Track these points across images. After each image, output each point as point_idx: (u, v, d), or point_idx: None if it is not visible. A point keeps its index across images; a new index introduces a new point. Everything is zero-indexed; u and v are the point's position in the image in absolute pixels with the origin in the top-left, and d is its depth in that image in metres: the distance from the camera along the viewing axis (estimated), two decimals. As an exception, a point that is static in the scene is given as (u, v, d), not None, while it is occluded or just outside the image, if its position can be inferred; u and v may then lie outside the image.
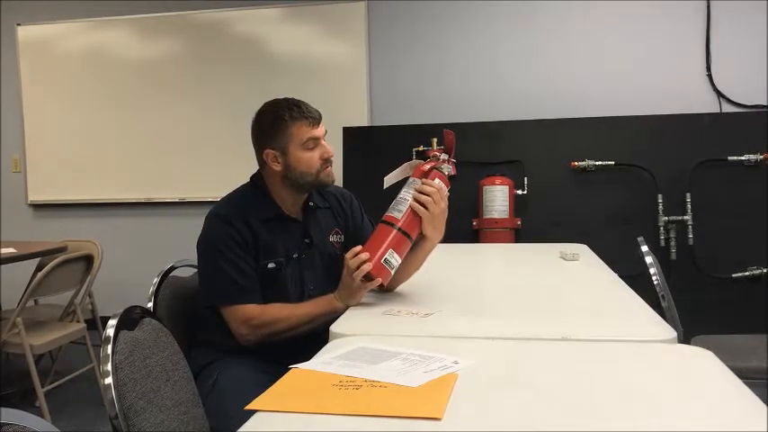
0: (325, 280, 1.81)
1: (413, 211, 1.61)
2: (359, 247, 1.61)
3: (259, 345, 1.71)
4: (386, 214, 1.63)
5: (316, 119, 1.75)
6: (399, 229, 1.60)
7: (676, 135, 3.85)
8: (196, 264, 1.98)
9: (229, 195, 1.84)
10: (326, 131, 1.79)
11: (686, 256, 3.79)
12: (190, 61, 4.66)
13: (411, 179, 1.65)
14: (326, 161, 1.76)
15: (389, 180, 1.72)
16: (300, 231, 1.82)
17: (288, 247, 1.78)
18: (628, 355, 1.21)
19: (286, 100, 1.78)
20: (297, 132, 1.73)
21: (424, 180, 1.63)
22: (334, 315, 1.58)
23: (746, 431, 0.86)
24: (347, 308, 1.63)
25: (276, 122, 1.74)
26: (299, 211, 1.84)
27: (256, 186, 1.83)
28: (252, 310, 1.70)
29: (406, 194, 1.62)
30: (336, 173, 1.85)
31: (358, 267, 1.58)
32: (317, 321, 1.66)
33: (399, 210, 1.61)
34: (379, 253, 1.58)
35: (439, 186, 1.63)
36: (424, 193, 1.60)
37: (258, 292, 1.73)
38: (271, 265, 1.75)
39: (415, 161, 1.71)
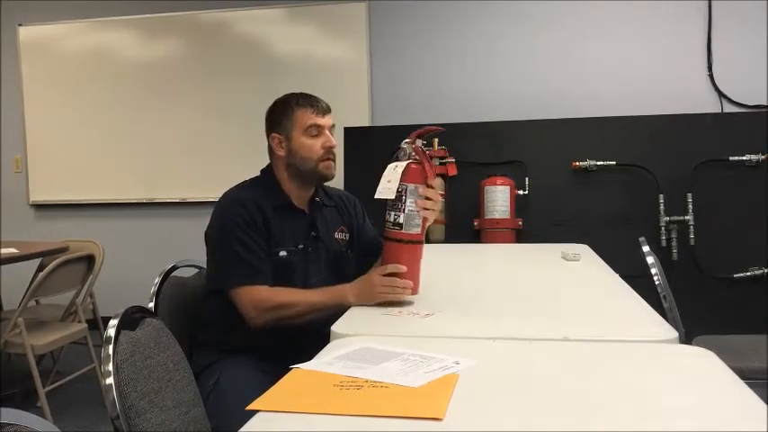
0: (328, 275, 1.83)
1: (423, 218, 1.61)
2: (394, 266, 1.59)
3: (261, 341, 1.72)
4: (405, 232, 1.58)
5: (322, 108, 1.80)
6: (422, 243, 1.62)
7: (678, 135, 3.85)
8: (197, 264, 1.99)
9: (241, 183, 1.87)
10: (334, 125, 1.83)
11: (687, 256, 3.78)
12: (191, 62, 4.66)
13: (411, 186, 1.58)
14: (328, 151, 1.79)
15: (388, 193, 1.59)
16: (307, 224, 1.84)
17: (295, 237, 1.80)
18: (629, 356, 1.21)
19: (299, 92, 1.84)
20: (301, 118, 1.79)
21: (425, 187, 1.59)
22: (343, 308, 1.59)
23: (747, 431, 0.86)
24: (352, 305, 1.63)
25: (284, 109, 1.81)
26: (306, 205, 1.87)
27: (266, 177, 1.86)
28: (263, 291, 1.70)
29: (412, 205, 1.58)
30: (338, 173, 1.86)
31: (395, 291, 1.58)
32: (325, 312, 1.65)
33: (417, 224, 1.59)
34: (419, 278, 1.62)
35: (438, 185, 1.62)
36: (428, 198, 1.59)
37: (269, 274, 1.73)
38: (282, 253, 1.77)
39: (400, 164, 1.60)
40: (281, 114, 1.81)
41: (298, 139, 1.79)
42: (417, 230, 1.60)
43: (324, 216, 1.89)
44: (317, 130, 1.79)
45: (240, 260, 1.71)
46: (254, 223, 1.73)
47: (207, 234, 1.81)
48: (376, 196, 1.59)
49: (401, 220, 1.59)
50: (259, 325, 1.70)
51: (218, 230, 1.77)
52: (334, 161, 1.81)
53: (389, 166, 1.61)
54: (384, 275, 1.60)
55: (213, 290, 1.79)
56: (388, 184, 1.58)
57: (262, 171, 1.90)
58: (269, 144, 1.85)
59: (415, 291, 1.62)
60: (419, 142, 1.61)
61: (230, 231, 1.72)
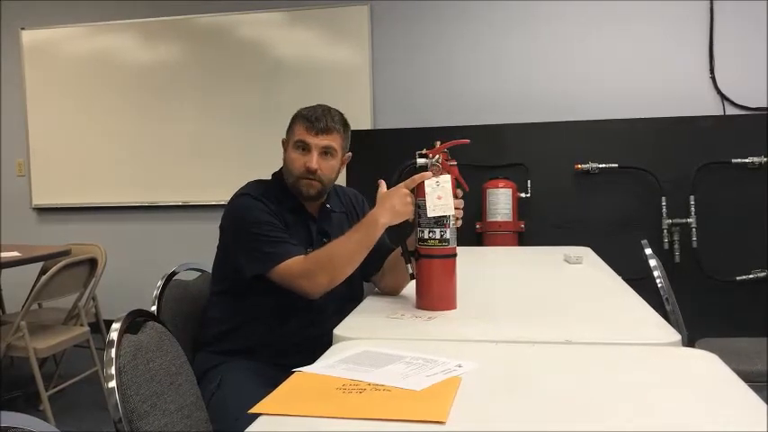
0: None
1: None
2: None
3: (264, 344, 1.73)
4: (452, 246, 1.56)
5: (317, 127, 1.75)
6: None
7: (680, 137, 3.85)
8: (200, 267, 1.99)
9: (254, 182, 1.86)
10: (330, 146, 1.77)
11: (690, 258, 3.78)
12: (193, 65, 4.67)
13: None
14: (308, 171, 1.75)
15: (446, 209, 1.54)
16: (317, 230, 1.84)
17: (304, 241, 1.79)
18: (632, 359, 1.21)
19: (321, 104, 1.82)
20: (295, 130, 1.79)
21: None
22: (377, 234, 1.60)
23: (751, 435, 0.86)
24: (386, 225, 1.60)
25: (293, 117, 1.83)
26: (317, 211, 1.87)
27: (278, 181, 1.86)
28: (305, 258, 1.68)
29: (453, 218, 1.57)
30: (340, 176, 1.85)
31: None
32: (368, 246, 1.62)
33: (454, 235, 1.58)
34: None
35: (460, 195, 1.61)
36: (457, 208, 1.58)
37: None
38: (310, 250, 1.75)
39: (441, 178, 1.56)
40: (290, 122, 1.82)
41: (288, 151, 1.81)
42: (455, 241, 1.59)
43: (332, 223, 1.88)
44: (303, 146, 1.76)
45: (276, 240, 1.69)
46: (273, 214, 1.74)
47: (225, 226, 1.80)
48: (431, 214, 1.53)
49: (448, 236, 1.56)
50: (319, 288, 1.64)
51: (244, 220, 1.73)
52: (318, 182, 1.77)
53: (427, 182, 1.54)
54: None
55: (254, 276, 1.69)
56: (439, 200, 1.53)
57: (273, 175, 1.89)
58: None
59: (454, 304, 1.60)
60: (434, 160, 1.58)
61: (256, 219, 1.71)
